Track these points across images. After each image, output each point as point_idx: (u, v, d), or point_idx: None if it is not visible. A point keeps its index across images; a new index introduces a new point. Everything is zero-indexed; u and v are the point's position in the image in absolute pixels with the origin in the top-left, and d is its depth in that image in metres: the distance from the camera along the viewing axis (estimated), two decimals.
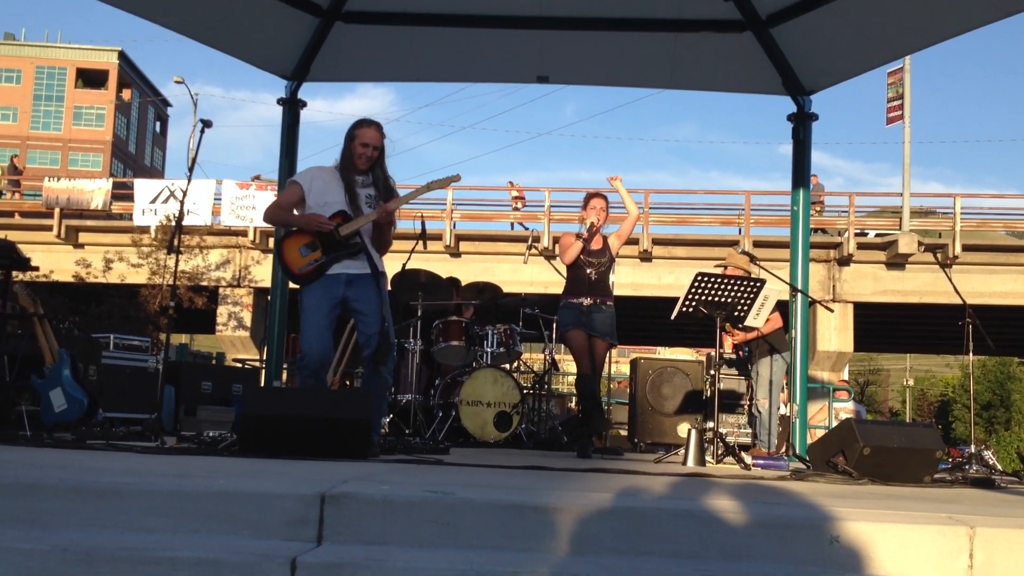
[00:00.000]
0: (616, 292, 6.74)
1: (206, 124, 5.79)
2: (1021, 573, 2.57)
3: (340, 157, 5.33)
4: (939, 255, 7.54)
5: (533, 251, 8.68)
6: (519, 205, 24.61)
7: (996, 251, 22.53)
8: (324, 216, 5.12)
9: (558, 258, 6.67)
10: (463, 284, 9.33)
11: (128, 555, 2.41)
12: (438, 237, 21.84)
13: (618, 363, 20.62)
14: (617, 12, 7.52)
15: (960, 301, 7.08)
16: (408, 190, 5.43)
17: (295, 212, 5.29)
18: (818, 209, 23.64)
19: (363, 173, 5.30)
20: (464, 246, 23.18)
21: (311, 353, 5.13)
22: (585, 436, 6.47)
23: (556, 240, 22.57)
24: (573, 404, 18.31)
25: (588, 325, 6.40)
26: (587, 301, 6.42)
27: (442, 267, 16.09)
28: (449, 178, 5.34)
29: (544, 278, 18.55)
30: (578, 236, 6.54)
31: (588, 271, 6.47)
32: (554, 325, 8.67)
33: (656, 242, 22.57)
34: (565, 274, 6.60)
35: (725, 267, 7.49)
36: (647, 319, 23.43)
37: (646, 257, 22.41)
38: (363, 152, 5.27)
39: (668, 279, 21.83)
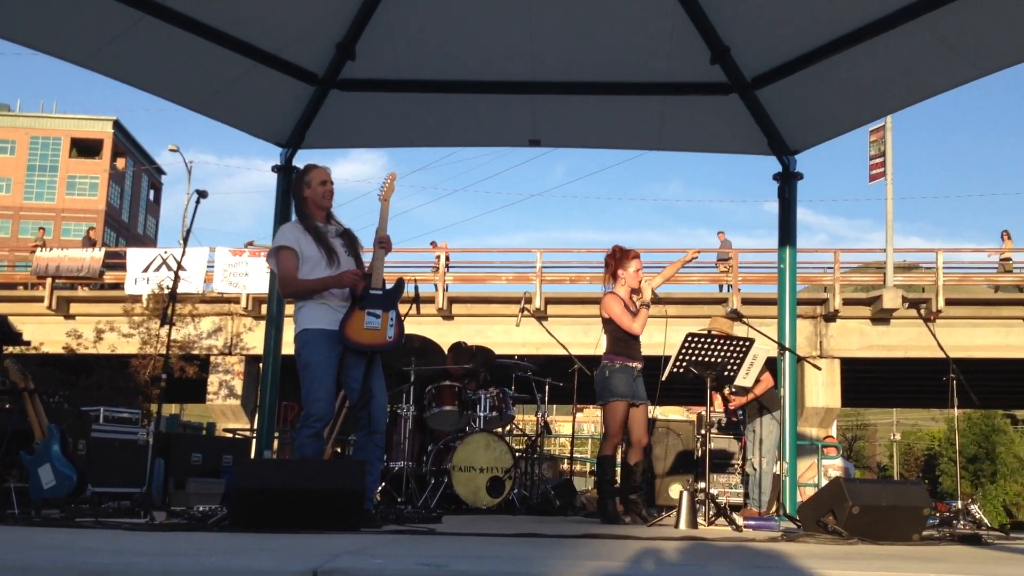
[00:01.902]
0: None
1: (201, 195, 5.79)
2: None
3: (299, 212, 5.21)
4: (922, 310, 7.62)
5: (525, 313, 8.71)
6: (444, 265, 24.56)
7: (978, 305, 22.59)
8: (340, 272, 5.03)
9: (601, 320, 6.54)
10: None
11: None
12: (431, 300, 21.84)
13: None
14: (608, 76, 7.62)
15: (944, 355, 7.14)
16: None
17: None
18: (724, 268, 23.65)
19: (326, 222, 5.22)
20: (456, 308, 23.21)
21: (322, 413, 5.00)
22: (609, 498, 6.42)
23: (548, 301, 22.78)
24: (564, 466, 18.20)
25: (635, 393, 6.32)
26: (638, 366, 6.42)
27: (434, 330, 16.11)
28: (388, 179, 5.30)
29: (536, 339, 18.58)
30: (619, 297, 6.46)
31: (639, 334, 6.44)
32: (547, 380, 8.71)
33: None
34: (608, 334, 6.45)
35: (708, 331, 7.55)
36: None
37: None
38: (326, 190, 5.20)
39: (657, 338, 21.81)
